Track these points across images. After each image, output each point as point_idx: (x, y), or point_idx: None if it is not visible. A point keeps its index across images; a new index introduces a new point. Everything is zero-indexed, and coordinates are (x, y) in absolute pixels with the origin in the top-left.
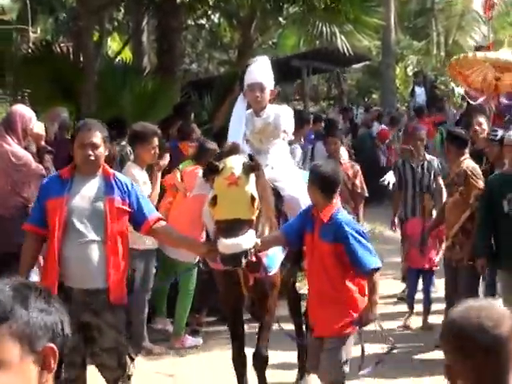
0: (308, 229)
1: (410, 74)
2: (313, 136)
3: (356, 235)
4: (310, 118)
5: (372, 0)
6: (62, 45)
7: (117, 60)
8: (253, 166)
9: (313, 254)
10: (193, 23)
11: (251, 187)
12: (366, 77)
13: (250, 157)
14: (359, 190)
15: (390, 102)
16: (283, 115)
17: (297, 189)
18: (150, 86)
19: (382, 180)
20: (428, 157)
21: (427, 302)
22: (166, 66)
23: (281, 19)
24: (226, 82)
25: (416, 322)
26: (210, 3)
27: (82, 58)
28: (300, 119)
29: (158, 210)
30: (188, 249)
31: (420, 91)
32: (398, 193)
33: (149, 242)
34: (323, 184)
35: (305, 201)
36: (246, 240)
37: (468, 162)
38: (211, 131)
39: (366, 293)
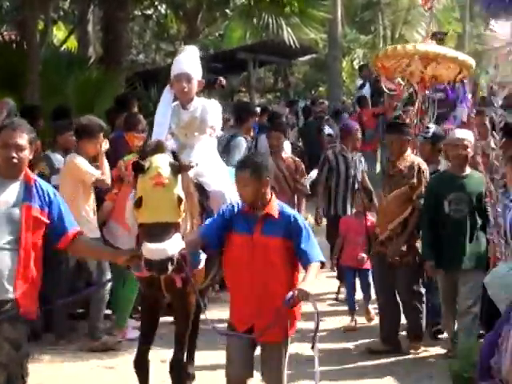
0: (239, 229)
1: (357, 67)
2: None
3: (307, 228)
4: (256, 110)
5: None
6: (5, 33)
7: (62, 49)
8: (181, 167)
9: (252, 253)
10: (140, 14)
11: (178, 188)
12: (313, 70)
13: (174, 155)
14: (301, 187)
15: (336, 95)
16: (211, 110)
17: (222, 184)
18: (94, 75)
19: (306, 178)
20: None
21: (368, 300)
22: (112, 56)
23: (227, 11)
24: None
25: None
26: None
27: (26, 47)
28: (246, 111)
29: (104, 201)
30: (110, 258)
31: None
32: (324, 185)
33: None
34: (260, 172)
35: (230, 195)
36: (173, 245)
37: (415, 157)
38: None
39: None
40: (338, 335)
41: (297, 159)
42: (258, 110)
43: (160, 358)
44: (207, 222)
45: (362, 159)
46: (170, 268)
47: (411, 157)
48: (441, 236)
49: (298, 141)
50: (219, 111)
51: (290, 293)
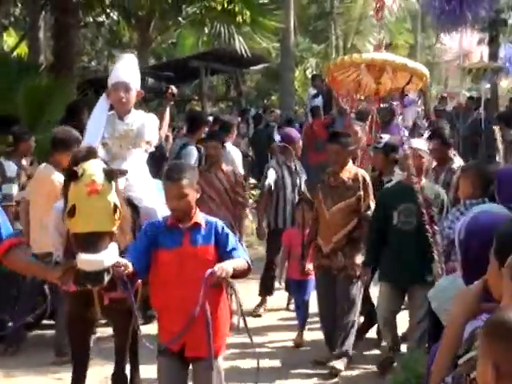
0: (166, 244)
1: (310, 76)
2: None
3: (232, 235)
4: (208, 119)
5: (270, 3)
6: None
7: (12, 56)
8: (115, 172)
9: (182, 267)
10: (92, 21)
11: (113, 196)
12: (266, 79)
13: (105, 163)
14: (241, 199)
15: (288, 104)
16: (148, 124)
17: (153, 200)
18: (45, 82)
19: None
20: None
21: (303, 315)
22: (63, 63)
23: (180, 19)
24: None
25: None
26: (107, 2)
27: None
28: (198, 120)
29: None
30: (42, 275)
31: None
32: (267, 196)
33: None
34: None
35: (161, 212)
36: (109, 255)
37: (357, 168)
38: None
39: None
40: (288, 349)
41: (237, 171)
42: (210, 119)
43: (104, 374)
44: (131, 244)
45: (302, 168)
46: (106, 279)
47: (353, 168)
48: (386, 247)
49: (249, 150)
50: (156, 125)
51: (209, 270)
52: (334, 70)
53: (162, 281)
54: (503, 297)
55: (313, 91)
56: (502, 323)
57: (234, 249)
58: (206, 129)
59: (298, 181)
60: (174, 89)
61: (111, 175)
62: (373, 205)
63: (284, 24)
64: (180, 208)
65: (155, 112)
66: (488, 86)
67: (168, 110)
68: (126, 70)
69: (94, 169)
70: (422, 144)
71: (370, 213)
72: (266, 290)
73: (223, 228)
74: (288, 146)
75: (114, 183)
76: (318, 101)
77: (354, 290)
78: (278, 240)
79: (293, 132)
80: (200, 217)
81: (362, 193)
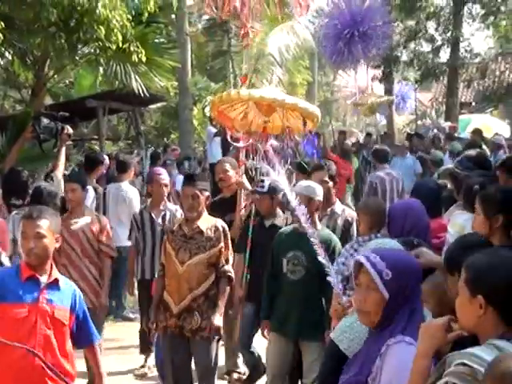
0: (15, 297)
1: (208, 114)
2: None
3: (83, 303)
4: (104, 158)
5: (166, 42)
6: None
7: None
8: None
9: (32, 325)
10: None
11: None
12: (165, 117)
13: None
14: (106, 249)
15: (187, 142)
16: None
17: None
18: None
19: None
20: (170, 205)
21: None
22: None
23: (77, 58)
24: (18, 121)
25: None
26: (0, 41)
27: None
28: (93, 160)
29: None
30: None
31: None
32: (134, 250)
33: None
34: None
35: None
36: None
37: (216, 219)
38: (2, 171)
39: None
40: None
41: (103, 217)
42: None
43: None
44: None
45: (176, 211)
46: None
47: (210, 217)
48: (277, 296)
49: (143, 189)
50: None
51: None
52: (219, 104)
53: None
54: (480, 328)
55: (212, 129)
56: (502, 372)
57: (87, 326)
58: (104, 169)
59: (158, 227)
60: (69, 129)
61: None
62: (231, 258)
63: (181, 63)
64: (36, 250)
65: (51, 152)
66: (384, 121)
67: (63, 150)
68: None
69: None
70: (313, 185)
71: (228, 267)
72: (147, 344)
73: (81, 297)
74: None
75: None
76: (218, 139)
77: (213, 352)
78: (148, 292)
79: (155, 169)
80: (57, 273)
81: (223, 244)
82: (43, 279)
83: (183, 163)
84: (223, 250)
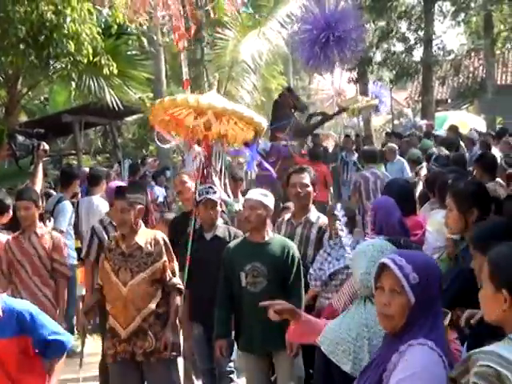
0: None
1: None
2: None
3: (40, 318)
4: (79, 173)
5: (139, 54)
6: None
7: None
8: None
9: None
10: None
11: None
12: (142, 129)
13: None
14: (59, 267)
15: (165, 153)
16: None
17: None
18: None
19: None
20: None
21: None
22: None
23: (50, 74)
24: None
25: None
26: None
27: None
28: (69, 175)
29: None
30: None
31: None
32: (93, 264)
33: None
34: None
35: None
36: None
37: (155, 231)
38: None
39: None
40: None
41: (55, 234)
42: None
43: None
44: None
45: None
46: None
47: (147, 230)
48: (238, 313)
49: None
50: None
51: None
52: (157, 109)
53: None
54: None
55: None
56: None
57: (54, 342)
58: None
59: None
60: (45, 145)
61: None
62: (177, 269)
63: (155, 74)
64: None
65: (28, 169)
66: (361, 124)
67: (41, 166)
68: None
69: None
70: (260, 195)
71: (176, 280)
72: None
73: (32, 315)
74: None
75: None
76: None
77: (173, 375)
78: None
79: (113, 184)
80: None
81: (166, 258)
82: None
83: (160, 174)
84: (167, 263)
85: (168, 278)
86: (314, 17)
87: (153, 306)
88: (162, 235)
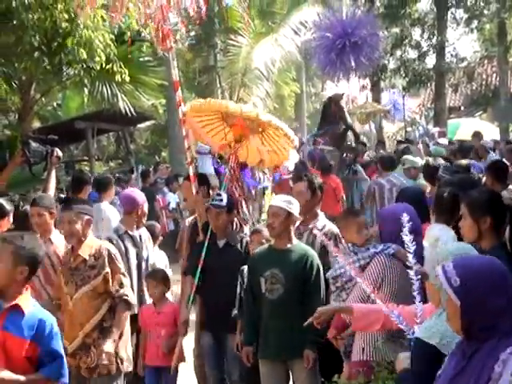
0: None
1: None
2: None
3: (57, 335)
4: (89, 178)
5: (152, 60)
6: None
7: None
8: None
9: None
10: None
11: None
12: (155, 135)
13: None
14: None
15: (178, 160)
16: None
17: None
18: None
19: None
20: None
21: None
22: None
23: (63, 80)
24: (6, 146)
25: None
26: None
27: None
28: (79, 181)
29: None
30: None
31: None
32: None
33: None
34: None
35: None
36: None
37: (102, 241)
38: None
39: None
40: None
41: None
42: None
43: None
44: None
45: (148, 236)
46: None
47: (96, 241)
48: (262, 319)
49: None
50: None
51: None
52: (192, 111)
53: None
54: None
55: (204, 146)
56: None
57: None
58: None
59: (145, 253)
60: (58, 152)
61: None
62: (125, 280)
63: (168, 80)
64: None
65: (40, 175)
66: (374, 131)
67: (53, 172)
68: None
69: None
70: (280, 201)
71: (124, 291)
72: None
73: (52, 329)
74: (130, 211)
75: None
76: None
77: None
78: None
79: (132, 194)
80: (27, 301)
81: (108, 270)
82: (5, 303)
83: (173, 180)
84: (109, 275)
85: (115, 290)
86: (331, 23)
87: (95, 321)
88: (107, 246)
